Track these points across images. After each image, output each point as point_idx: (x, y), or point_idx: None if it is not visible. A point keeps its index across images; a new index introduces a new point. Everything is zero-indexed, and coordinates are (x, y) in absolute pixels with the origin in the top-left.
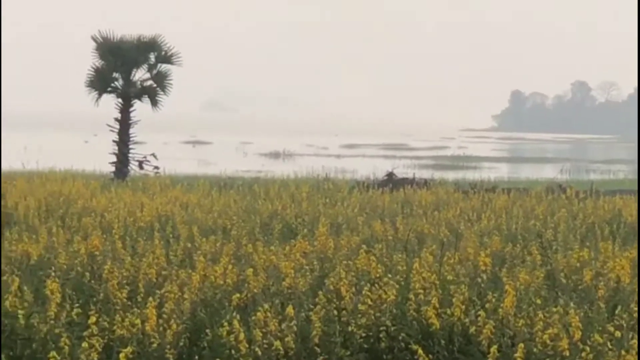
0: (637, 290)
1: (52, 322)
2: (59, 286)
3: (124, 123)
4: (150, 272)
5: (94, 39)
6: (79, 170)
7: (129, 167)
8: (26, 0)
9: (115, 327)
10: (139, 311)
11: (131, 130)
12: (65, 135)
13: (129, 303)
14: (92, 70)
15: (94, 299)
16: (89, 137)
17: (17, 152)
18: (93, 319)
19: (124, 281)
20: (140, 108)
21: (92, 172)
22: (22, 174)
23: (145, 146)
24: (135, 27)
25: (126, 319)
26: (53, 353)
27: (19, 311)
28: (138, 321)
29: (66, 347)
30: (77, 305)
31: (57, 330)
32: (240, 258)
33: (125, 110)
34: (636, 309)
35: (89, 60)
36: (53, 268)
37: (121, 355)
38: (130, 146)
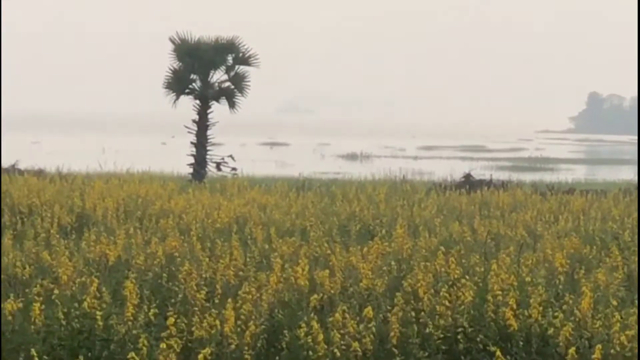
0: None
1: (130, 323)
2: (136, 287)
3: (202, 125)
4: (227, 273)
5: (172, 40)
6: (157, 171)
7: (206, 169)
8: (107, 3)
9: (193, 329)
10: (217, 312)
11: (209, 132)
12: (143, 137)
13: (207, 304)
14: (170, 71)
15: (172, 300)
16: (167, 138)
17: (95, 154)
18: (171, 320)
19: (202, 282)
20: (218, 110)
21: (169, 174)
22: (99, 176)
23: (223, 148)
24: (212, 29)
25: (204, 320)
26: (132, 354)
27: (97, 312)
28: (217, 322)
29: (144, 348)
30: (154, 306)
31: (135, 331)
32: (317, 259)
33: (203, 111)
34: None
35: (166, 62)
36: (131, 269)
37: (200, 356)
38: (208, 148)
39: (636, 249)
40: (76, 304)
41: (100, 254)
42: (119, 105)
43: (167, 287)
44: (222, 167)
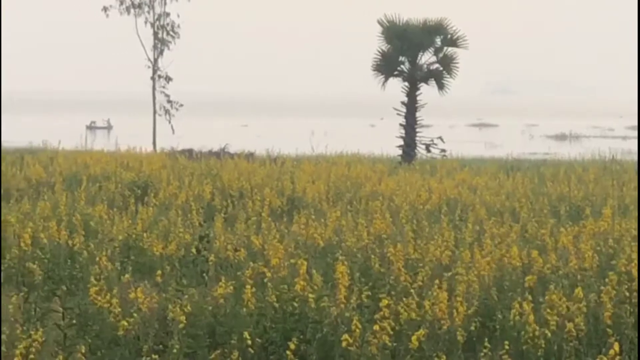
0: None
1: (342, 305)
2: (347, 269)
3: (411, 106)
4: (438, 254)
5: (380, 23)
6: (366, 154)
7: (416, 151)
8: None
9: (404, 311)
10: (428, 294)
11: (417, 114)
12: (352, 119)
13: (418, 286)
14: (379, 54)
15: (382, 282)
16: (375, 120)
17: (304, 137)
18: (384, 302)
19: (413, 264)
20: (427, 91)
21: (379, 156)
22: (308, 159)
23: (432, 129)
24: (419, 10)
25: (415, 302)
26: (345, 336)
27: (309, 295)
28: (428, 304)
29: (357, 330)
30: (366, 288)
31: (347, 314)
32: (528, 240)
33: (411, 93)
34: None
35: (375, 44)
36: (340, 251)
37: (412, 338)
38: (417, 129)
39: None
40: (287, 287)
41: (311, 237)
42: (327, 87)
43: (377, 269)
44: (431, 148)
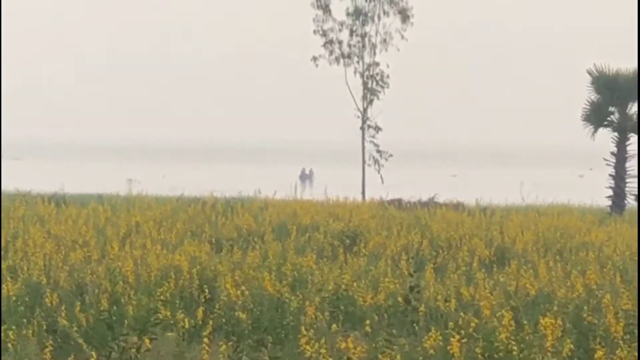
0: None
1: (548, 354)
2: (558, 319)
3: (620, 157)
4: None
5: (590, 72)
6: (575, 204)
7: (625, 201)
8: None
9: None
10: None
11: (627, 164)
12: (559, 169)
13: (628, 337)
14: (588, 104)
15: (593, 333)
16: (584, 171)
17: (513, 186)
18: (599, 353)
19: (625, 315)
20: (637, 142)
21: (588, 206)
22: (517, 209)
23: None
24: (629, 59)
25: (629, 353)
26: None
27: (513, 346)
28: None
29: None
30: (570, 341)
31: None
32: None
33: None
34: None
35: (581, 95)
36: (552, 302)
37: None
38: (627, 180)
39: None
40: (493, 338)
41: (521, 287)
42: (535, 137)
43: (589, 320)
44: None
